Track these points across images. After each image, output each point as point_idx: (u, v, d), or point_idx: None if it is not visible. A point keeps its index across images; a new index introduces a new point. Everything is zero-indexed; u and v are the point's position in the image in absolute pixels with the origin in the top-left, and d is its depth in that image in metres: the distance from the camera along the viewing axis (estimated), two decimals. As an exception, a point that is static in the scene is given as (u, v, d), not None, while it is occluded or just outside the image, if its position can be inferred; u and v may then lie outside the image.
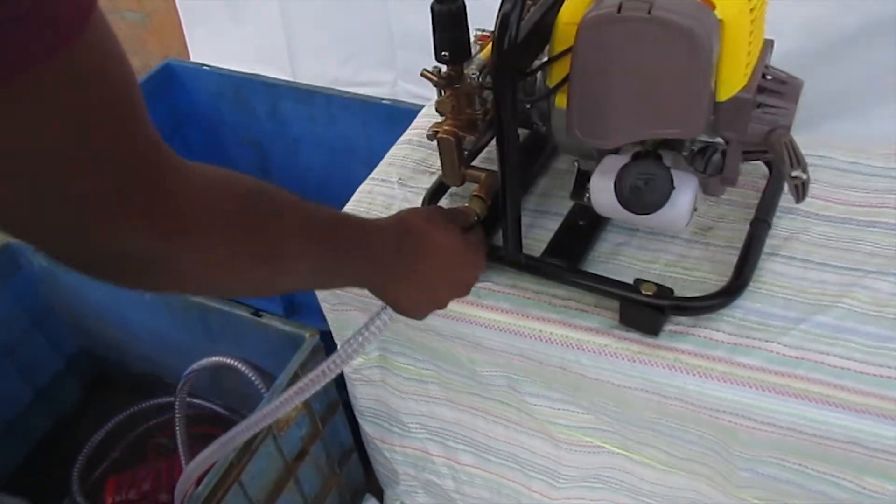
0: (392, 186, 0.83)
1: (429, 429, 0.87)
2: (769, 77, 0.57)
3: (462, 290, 0.62)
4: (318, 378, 0.59)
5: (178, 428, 1.02)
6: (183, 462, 1.11)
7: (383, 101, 1.12)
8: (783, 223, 0.72)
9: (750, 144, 0.59)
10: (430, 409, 0.85)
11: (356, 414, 0.94)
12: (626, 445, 0.72)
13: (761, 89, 0.56)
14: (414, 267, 0.54)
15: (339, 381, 0.89)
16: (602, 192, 0.63)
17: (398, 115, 1.09)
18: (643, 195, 0.60)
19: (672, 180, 0.59)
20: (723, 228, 0.73)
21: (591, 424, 0.72)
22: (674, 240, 0.71)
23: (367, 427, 0.94)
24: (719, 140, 0.60)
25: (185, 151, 0.35)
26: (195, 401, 1.15)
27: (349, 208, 0.80)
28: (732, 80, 0.54)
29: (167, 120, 1.26)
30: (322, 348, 0.89)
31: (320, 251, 0.47)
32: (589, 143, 0.60)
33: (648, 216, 0.61)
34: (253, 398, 0.94)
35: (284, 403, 0.65)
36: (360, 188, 0.84)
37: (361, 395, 0.90)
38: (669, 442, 0.68)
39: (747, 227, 0.69)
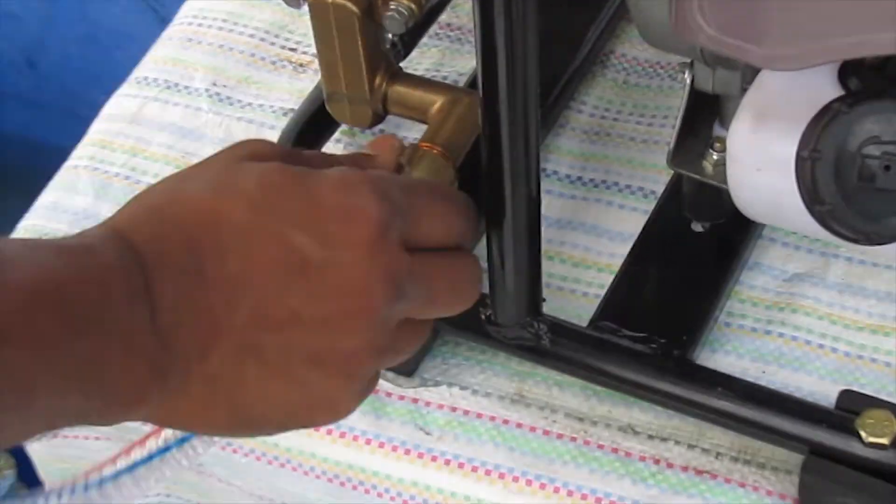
0: (197, 103, 0.82)
1: None
2: None
3: (364, 381, 0.59)
4: None
5: None
6: None
7: None
8: None
9: None
10: None
11: None
12: None
13: None
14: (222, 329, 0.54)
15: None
16: (758, 173, 0.60)
17: None
18: (881, 202, 0.56)
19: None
20: None
21: None
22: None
23: None
24: None
25: None
26: None
27: (72, 172, 0.79)
28: None
29: None
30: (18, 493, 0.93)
31: None
32: (736, 54, 0.54)
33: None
34: None
35: None
36: (106, 110, 0.82)
37: None
38: None
39: None
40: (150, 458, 0.59)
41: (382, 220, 0.55)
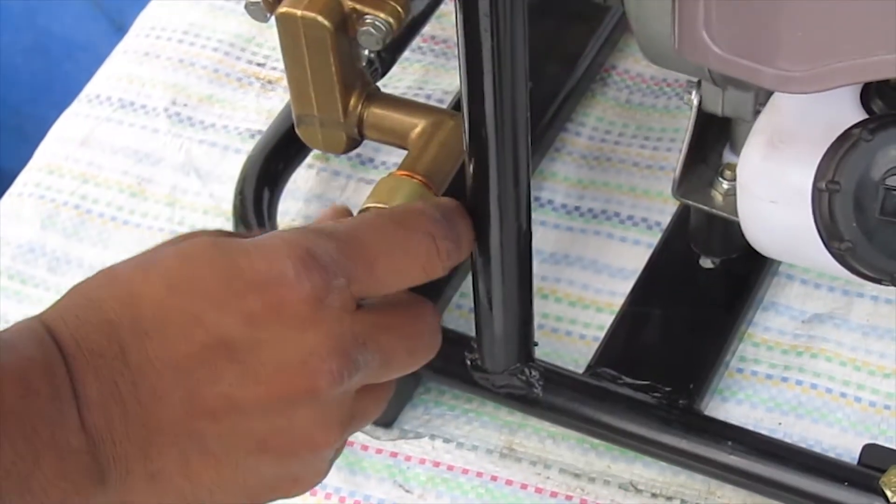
0: (155, 124, 0.81)
1: None
2: None
3: (305, 480, 0.60)
4: None
5: None
6: None
7: None
8: None
9: None
10: None
11: None
12: None
13: None
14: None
15: None
16: (772, 205, 0.61)
17: None
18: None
19: None
20: None
21: None
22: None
23: None
24: None
25: None
26: None
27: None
28: None
29: None
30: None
31: None
32: (747, 76, 0.54)
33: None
34: None
35: None
36: (54, 132, 0.82)
37: None
38: None
39: None
40: None
41: (311, 289, 0.54)
